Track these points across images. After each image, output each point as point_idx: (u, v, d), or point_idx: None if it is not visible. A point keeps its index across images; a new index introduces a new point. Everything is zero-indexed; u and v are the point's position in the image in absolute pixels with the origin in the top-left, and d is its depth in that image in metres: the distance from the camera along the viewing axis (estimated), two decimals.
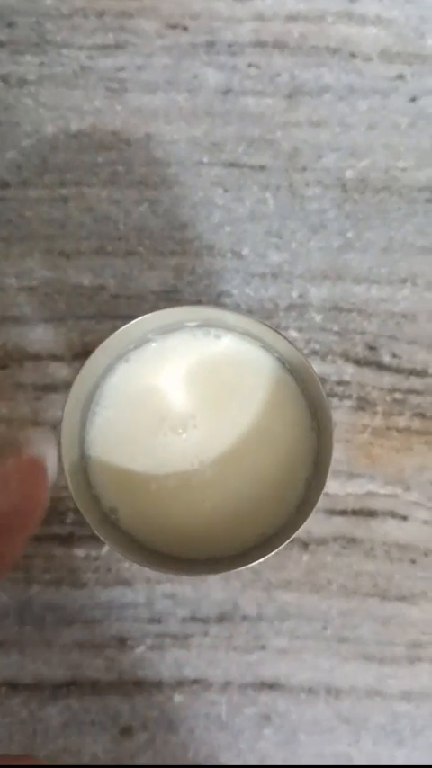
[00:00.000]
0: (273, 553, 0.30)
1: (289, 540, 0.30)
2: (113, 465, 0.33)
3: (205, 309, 0.31)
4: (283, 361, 0.33)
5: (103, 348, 0.30)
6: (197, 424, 0.33)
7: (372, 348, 0.42)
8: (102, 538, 0.29)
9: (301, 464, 0.33)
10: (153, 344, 0.33)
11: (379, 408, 0.41)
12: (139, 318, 0.30)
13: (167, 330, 0.33)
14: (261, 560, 0.30)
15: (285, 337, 0.30)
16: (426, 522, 0.41)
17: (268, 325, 0.30)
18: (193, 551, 0.33)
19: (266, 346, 0.33)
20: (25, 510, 0.27)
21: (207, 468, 0.33)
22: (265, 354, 0.33)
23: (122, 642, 0.40)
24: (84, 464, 0.32)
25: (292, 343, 0.30)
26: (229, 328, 0.33)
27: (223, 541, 0.33)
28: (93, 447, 0.33)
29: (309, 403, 0.33)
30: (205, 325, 0.33)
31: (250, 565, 0.30)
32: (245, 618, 0.40)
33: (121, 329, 0.30)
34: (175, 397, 0.33)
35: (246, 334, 0.33)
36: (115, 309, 0.42)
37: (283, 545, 0.30)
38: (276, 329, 0.30)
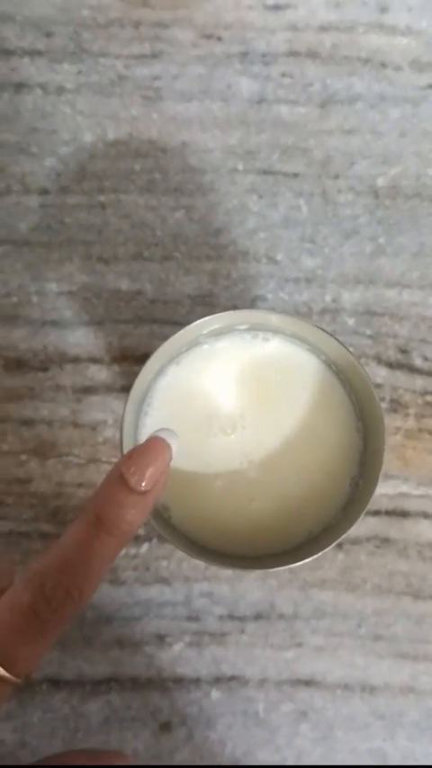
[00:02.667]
0: (323, 552, 0.30)
1: (339, 540, 0.30)
2: None
3: (256, 313, 0.32)
4: (329, 363, 0.34)
5: (160, 351, 0.31)
6: (245, 424, 0.34)
7: (404, 351, 0.43)
8: (161, 533, 0.30)
9: (346, 464, 0.34)
10: (203, 347, 0.34)
11: (411, 411, 0.42)
12: (197, 322, 0.31)
13: (217, 333, 0.34)
14: (310, 559, 0.30)
15: (336, 338, 0.31)
16: None
17: (318, 326, 0.31)
18: (242, 548, 0.33)
19: (313, 349, 0.34)
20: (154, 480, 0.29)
21: (255, 467, 0.34)
22: (312, 357, 0.34)
23: (161, 639, 0.41)
24: None
25: (342, 343, 0.31)
26: (276, 331, 0.34)
27: (271, 539, 0.33)
28: None
29: (354, 404, 0.34)
30: (254, 328, 0.34)
31: (299, 563, 0.31)
32: (281, 616, 0.41)
33: (178, 333, 0.31)
34: (223, 398, 0.34)
35: (293, 336, 0.34)
36: (152, 314, 0.43)
37: (333, 544, 0.30)
38: (327, 330, 0.31)
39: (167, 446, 0.29)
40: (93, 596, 0.28)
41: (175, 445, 0.30)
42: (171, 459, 0.29)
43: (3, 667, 0.26)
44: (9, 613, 0.26)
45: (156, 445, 0.29)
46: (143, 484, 0.28)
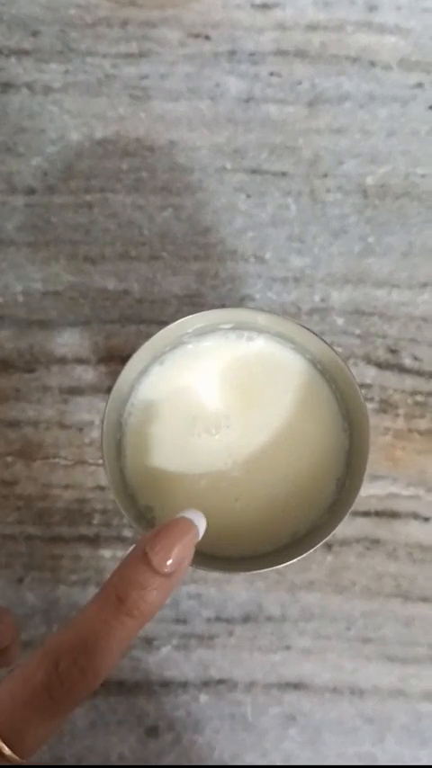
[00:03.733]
0: (308, 552, 0.30)
1: (324, 540, 0.30)
2: (148, 465, 0.33)
3: (241, 312, 0.32)
4: (314, 362, 0.34)
5: (142, 350, 0.30)
6: (230, 424, 0.33)
7: (393, 351, 0.42)
8: (142, 534, 0.30)
9: (332, 464, 0.34)
10: (188, 347, 0.34)
11: (401, 411, 0.42)
12: (180, 321, 0.30)
13: (202, 332, 0.34)
14: (296, 560, 0.30)
15: (321, 338, 0.30)
16: None
17: (303, 326, 0.31)
18: (227, 549, 0.33)
19: (298, 348, 0.34)
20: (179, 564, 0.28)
21: (239, 467, 0.33)
22: (297, 356, 0.34)
23: (148, 642, 0.41)
24: (121, 464, 0.33)
25: (328, 344, 0.31)
26: (261, 331, 0.34)
27: (256, 540, 0.33)
28: (129, 447, 0.33)
29: (340, 403, 0.34)
30: (238, 327, 0.34)
31: (284, 564, 0.30)
32: (269, 618, 0.41)
33: (161, 331, 0.30)
34: (208, 398, 0.34)
35: (278, 336, 0.34)
36: (139, 314, 0.42)
37: (319, 544, 0.30)
38: (312, 330, 0.31)
39: (194, 526, 0.28)
40: (106, 676, 0.27)
41: (202, 526, 0.29)
42: (197, 540, 0.28)
43: (7, 745, 0.25)
44: (21, 689, 0.25)
45: (183, 525, 0.28)
46: (168, 564, 0.27)
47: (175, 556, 0.27)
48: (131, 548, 0.28)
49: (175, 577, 0.27)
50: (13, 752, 0.25)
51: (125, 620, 0.26)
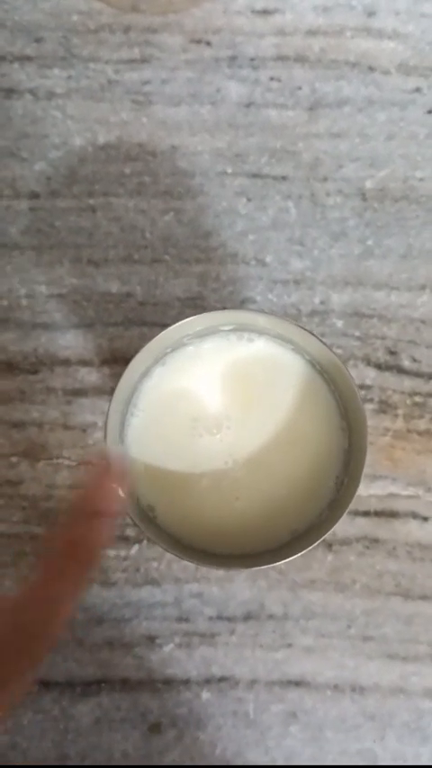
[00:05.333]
0: (307, 550, 0.31)
1: (323, 538, 0.31)
2: (150, 464, 0.34)
3: (242, 314, 0.33)
4: (313, 363, 0.34)
5: (144, 351, 0.31)
6: (230, 424, 0.34)
7: (392, 353, 0.43)
8: (145, 533, 0.30)
9: (331, 463, 0.34)
10: (189, 348, 0.34)
11: (400, 411, 0.42)
12: (181, 323, 0.31)
13: (203, 334, 0.34)
14: (295, 557, 0.31)
15: (320, 339, 0.31)
16: None
17: (303, 327, 0.31)
18: (227, 547, 0.34)
19: (297, 349, 0.34)
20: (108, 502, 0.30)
21: (239, 467, 0.34)
22: (296, 357, 0.35)
23: (151, 640, 0.41)
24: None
25: (326, 344, 0.31)
26: (261, 332, 0.34)
27: (256, 538, 0.34)
28: (131, 447, 0.34)
29: (339, 404, 0.34)
30: (238, 329, 0.34)
31: (282, 562, 0.31)
32: (271, 617, 0.41)
33: (162, 333, 0.31)
34: (209, 398, 0.34)
35: (278, 337, 0.34)
36: (142, 316, 0.43)
37: (317, 542, 0.31)
38: (311, 331, 0.31)
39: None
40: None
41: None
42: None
43: None
44: None
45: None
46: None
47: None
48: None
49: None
50: None
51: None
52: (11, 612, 0.27)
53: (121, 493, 0.30)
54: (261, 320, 0.33)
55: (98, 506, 0.29)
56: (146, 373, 0.34)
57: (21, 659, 0.27)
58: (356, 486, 0.31)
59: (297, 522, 0.34)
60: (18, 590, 0.28)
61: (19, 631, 0.27)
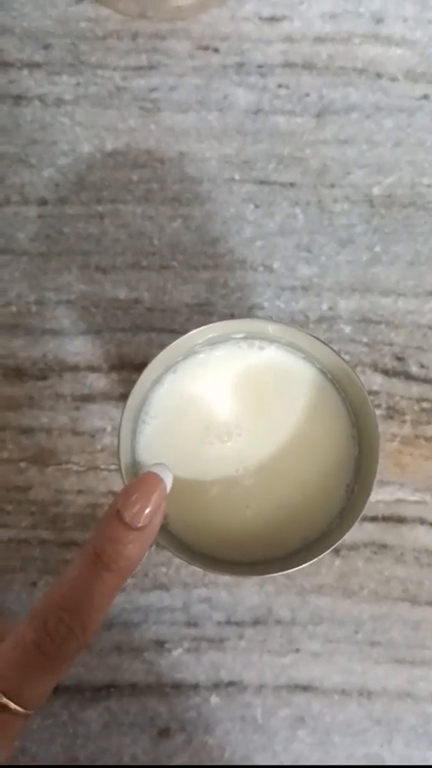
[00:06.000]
0: (318, 558, 0.31)
1: (334, 546, 0.31)
2: None
3: (252, 322, 0.33)
4: (324, 371, 0.35)
5: (156, 360, 0.31)
6: (241, 432, 0.34)
7: (400, 359, 0.43)
8: (157, 540, 0.31)
9: (341, 471, 0.34)
10: (200, 356, 0.34)
11: (407, 417, 0.43)
12: (193, 332, 0.31)
13: (214, 342, 0.34)
14: (306, 564, 0.31)
15: (330, 347, 0.31)
16: None
17: (313, 335, 0.31)
18: (238, 554, 0.34)
19: (308, 357, 0.35)
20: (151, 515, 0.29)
21: (250, 474, 0.34)
22: (307, 365, 0.35)
23: (160, 645, 0.41)
24: (135, 471, 0.34)
25: (336, 352, 0.31)
26: (272, 340, 0.35)
27: (266, 545, 0.34)
28: (142, 454, 0.34)
29: (349, 411, 0.35)
30: (249, 337, 0.35)
31: (295, 569, 0.31)
32: (279, 622, 0.41)
33: (175, 342, 0.31)
34: (220, 406, 0.34)
35: (288, 345, 0.34)
36: (150, 322, 0.43)
37: (328, 551, 0.31)
38: (322, 339, 0.31)
39: (161, 480, 0.30)
40: (97, 631, 0.28)
41: (169, 480, 0.30)
42: (166, 492, 0.30)
43: (12, 701, 0.27)
44: (13, 651, 0.27)
45: (150, 480, 0.30)
46: (140, 519, 0.29)
47: (146, 510, 0.29)
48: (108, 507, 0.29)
49: (149, 530, 0.29)
50: (18, 705, 0.27)
51: (105, 574, 0.28)
52: (39, 618, 0.27)
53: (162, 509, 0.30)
54: (271, 328, 0.33)
55: (140, 519, 0.28)
56: (157, 381, 0.34)
57: (47, 664, 0.27)
58: (368, 494, 0.31)
59: (308, 529, 0.34)
60: (46, 595, 0.28)
61: (46, 636, 0.27)
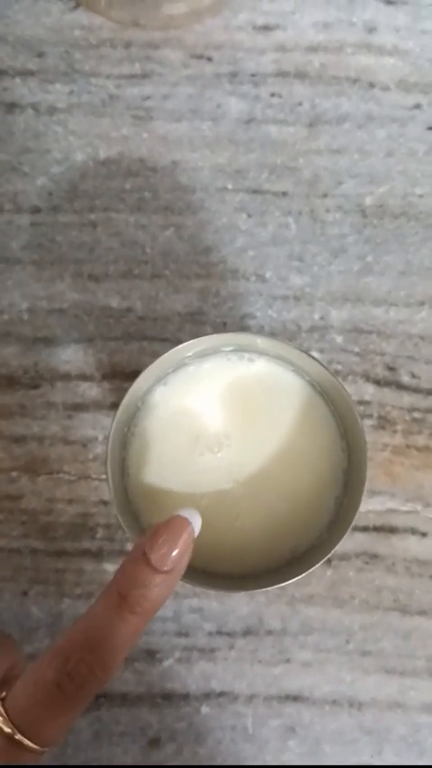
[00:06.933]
0: (308, 572, 0.31)
1: (325, 559, 0.31)
2: (151, 483, 0.34)
3: (241, 336, 0.33)
4: (313, 384, 0.35)
5: (147, 372, 0.31)
6: (231, 444, 0.34)
7: (391, 369, 0.43)
8: None
9: (331, 483, 0.34)
10: (190, 368, 0.35)
11: (399, 427, 0.43)
12: (183, 344, 0.31)
13: (203, 354, 0.34)
14: (296, 579, 0.31)
15: (318, 361, 0.31)
16: None
17: (301, 350, 0.31)
18: (228, 566, 0.34)
19: (297, 369, 0.35)
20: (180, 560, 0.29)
21: (240, 486, 0.34)
22: (296, 377, 0.35)
23: (151, 655, 0.41)
24: (124, 482, 0.34)
25: (324, 366, 0.31)
26: (261, 353, 0.35)
27: (257, 557, 0.34)
28: (132, 466, 0.34)
29: (339, 424, 0.35)
30: (239, 349, 0.35)
31: (284, 584, 0.31)
32: (269, 632, 0.41)
33: (165, 354, 0.31)
34: (210, 417, 0.34)
35: (278, 358, 0.34)
36: (142, 331, 0.43)
37: (319, 563, 0.31)
38: (310, 353, 0.31)
39: (189, 524, 0.29)
40: (117, 673, 0.28)
41: (198, 524, 0.30)
42: (194, 536, 0.29)
43: (28, 738, 0.26)
44: (33, 688, 0.27)
45: (179, 523, 0.29)
46: (167, 563, 0.28)
47: (173, 553, 0.28)
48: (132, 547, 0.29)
49: (175, 574, 0.29)
50: (35, 743, 0.27)
51: (129, 617, 0.27)
52: (60, 657, 0.27)
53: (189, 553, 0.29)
54: (260, 342, 0.33)
55: (167, 562, 0.28)
56: (147, 392, 0.34)
57: (66, 703, 0.27)
58: (357, 506, 0.31)
59: (298, 541, 0.34)
60: (67, 633, 0.28)
61: (66, 676, 0.27)
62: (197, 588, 0.40)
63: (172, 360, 0.33)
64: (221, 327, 0.43)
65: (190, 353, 0.34)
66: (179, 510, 0.30)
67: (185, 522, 0.29)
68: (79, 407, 0.43)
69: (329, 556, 0.32)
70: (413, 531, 0.42)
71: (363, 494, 0.31)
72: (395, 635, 0.42)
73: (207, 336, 0.32)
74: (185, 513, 0.30)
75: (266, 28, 0.45)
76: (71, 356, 0.43)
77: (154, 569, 0.28)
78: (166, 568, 0.28)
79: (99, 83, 0.44)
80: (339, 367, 0.43)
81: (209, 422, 0.34)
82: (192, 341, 0.31)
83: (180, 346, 0.31)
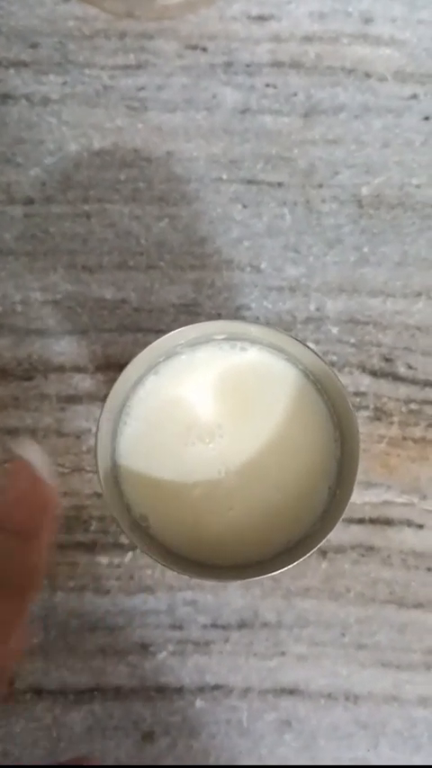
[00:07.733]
0: (301, 560, 0.30)
1: (316, 549, 0.30)
2: (143, 473, 0.34)
3: (234, 324, 0.33)
4: (306, 373, 0.34)
5: (136, 361, 0.31)
6: (223, 433, 0.34)
7: (387, 360, 0.43)
8: (136, 544, 0.30)
9: (324, 473, 0.34)
10: (182, 357, 0.34)
11: (395, 419, 0.42)
12: (174, 332, 0.31)
13: (195, 343, 0.34)
14: (288, 567, 0.31)
15: (312, 350, 0.31)
16: None
17: (295, 338, 0.31)
18: (221, 558, 0.33)
19: (290, 358, 0.34)
20: (30, 514, 0.25)
21: (233, 476, 0.34)
22: (289, 366, 0.34)
23: (145, 648, 0.41)
24: (115, 473, 0.33)
25: (318, 355, 0.31)
26: (254, 341, 0.34)
27: (250, 548, 0.34)
28: (123, 456, 0.34)
29: (332, 413, 0.34)
30: (232, 338, 0.34)
31: (277, 572, 0.31)
32: (265, 625, 0.41)
33: (155, 342, 0.31)
34: (202, 407, 0.34)
35: (270, 346, 0.34)
36: (136, 322, 0.43)
37: (310, 553, 0.30)
38: (303, 342, 0.31)
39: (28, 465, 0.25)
40: None
41: (37, 458, 0.26)
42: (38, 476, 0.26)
43: None
44: None
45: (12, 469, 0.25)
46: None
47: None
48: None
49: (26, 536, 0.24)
50: None
51: None
52: None
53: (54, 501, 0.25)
54: (254, 330, 0.33)
55: (24, 522, 0.24)
56: (139, 381, 0.34)
57: None
58: (349, 495, 0.31)
59: (291, 531, 0.34)
60: None
61: None
62: (191, 579, 0.40)
63: (162, 348, 0.32)
64: (216, 319, 0.42)
65: (182, 341, 0.33)
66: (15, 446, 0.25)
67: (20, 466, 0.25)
68: (73, 399, 0.42)
69: (325, 545, 0.31)
70: (409, 524, 0.42)
71: (355, 483, 0.31)
72: (391, 628, 0.41)
73: (198, 324, 0.31)
74: (19, 449, 0.25)
75: (261, 18, 0.44)
76: (65, 348, 0.42)
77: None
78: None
79: (93, 73, 0.44)
80: (335, 358, 0.43)
81: (201, 411, 0.34)
82: (182, 328, 0.31)
83: (171, 333, 0.31)
